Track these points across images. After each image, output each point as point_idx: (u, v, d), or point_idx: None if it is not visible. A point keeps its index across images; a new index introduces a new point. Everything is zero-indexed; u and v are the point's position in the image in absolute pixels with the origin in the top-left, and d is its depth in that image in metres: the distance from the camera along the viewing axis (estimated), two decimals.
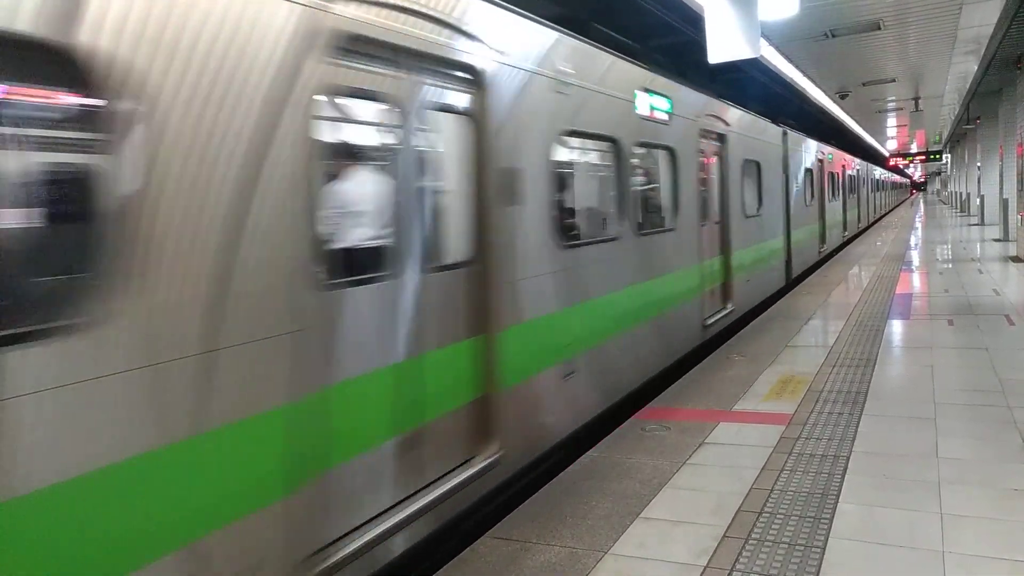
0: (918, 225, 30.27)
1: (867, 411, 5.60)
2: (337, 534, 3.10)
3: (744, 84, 14.18)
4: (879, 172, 37.74)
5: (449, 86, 3.92)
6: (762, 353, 7.75)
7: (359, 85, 3.34)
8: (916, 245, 20.52)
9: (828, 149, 18.77)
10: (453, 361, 3.90)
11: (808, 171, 15.29)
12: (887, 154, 48.06)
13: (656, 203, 7.33)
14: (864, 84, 18.36)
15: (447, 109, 3.95)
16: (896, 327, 8.89)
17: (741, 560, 3.45)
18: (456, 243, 4.06)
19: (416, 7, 3.56)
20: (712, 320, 8.33)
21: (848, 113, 24.25)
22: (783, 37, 12.01)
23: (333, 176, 3.67)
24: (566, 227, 5.37)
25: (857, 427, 5.24)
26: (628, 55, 6.51)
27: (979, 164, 26.50)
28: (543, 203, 4.77)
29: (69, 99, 2.35)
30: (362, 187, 3.76)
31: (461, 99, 4.02)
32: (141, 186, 2.27)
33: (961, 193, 37.48)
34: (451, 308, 3.92)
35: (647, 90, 6.63)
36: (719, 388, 6.47)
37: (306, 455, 2.91)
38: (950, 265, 15.08)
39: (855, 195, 25.04)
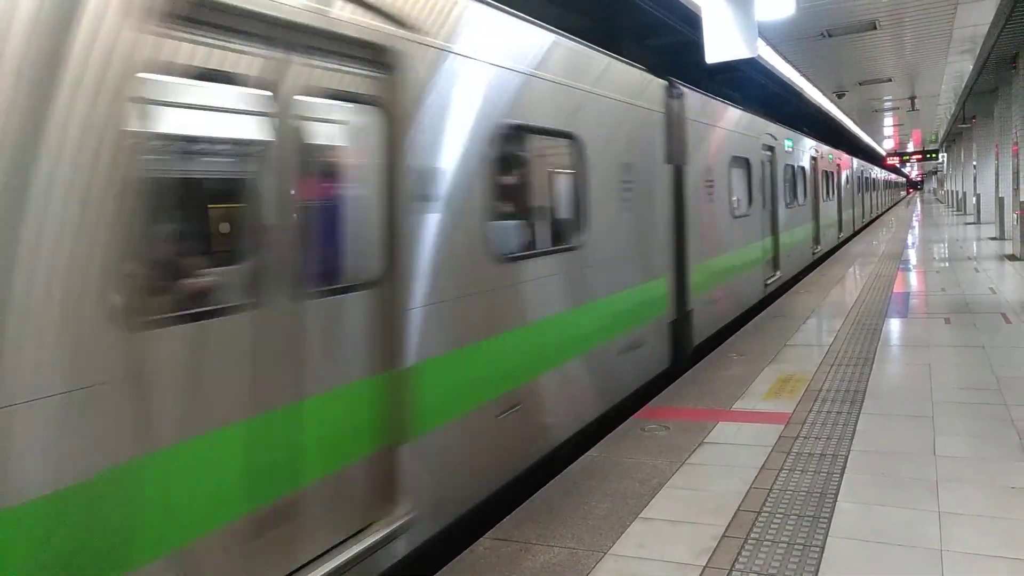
0: (915, 224, 30.32)
1: (865, 410, 5.61)
2: None
3: (742, 84, 14.21)
4: (875, 171, 37.39)
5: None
6: (761, 352, 7.76)
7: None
8: (913, 244, 20.56)
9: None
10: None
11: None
12: (884, 153, 48.15)
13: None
14: (860, 83, 18.39)
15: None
16: (894, 326, 8.91)
17: (740, 559, 3.46)
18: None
19: None
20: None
21: (845, 112, 24.29)
22: (780, 37, 12.03)
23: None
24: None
25: (855, 426, 5.25)
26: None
27: (975, 163, 26.58)
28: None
29: None
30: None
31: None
32: None
33: (957, 192, 37.56)
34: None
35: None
36: (718, 387, 6.48)
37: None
38: (947, 264, 15.11)
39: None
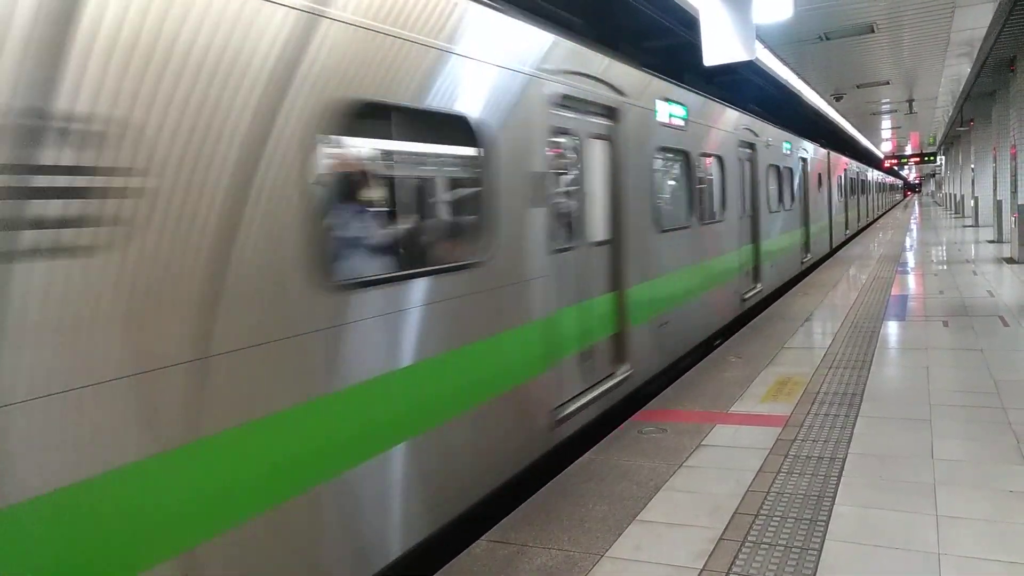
0: (913, 227, 30.36)
1: (863, 413, 5.61)
2: None
3: (739, 86, 14.22)
4: (872, 173, 37.25)
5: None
6: (759, 355, 7.76)
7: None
8: (911, 247, 20.58)
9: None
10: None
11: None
12: (882, 156, 48.24)
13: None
14: (858, 86, 18.44)
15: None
16: (892, 329, 8.91)
17: (737, 562, 3.45)
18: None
19: None
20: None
21: (843, 115, 24.33)
22: (778, 40, 12.05)
23: None
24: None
25: (853, 429, 5.25)
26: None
27: (973, 166, 26.63)
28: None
29: None
30: None
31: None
32: None
33: (955, 195, 37.62)
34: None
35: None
36: (716, 390, 6.47)
37: None
38: (945, 267, 15.12)
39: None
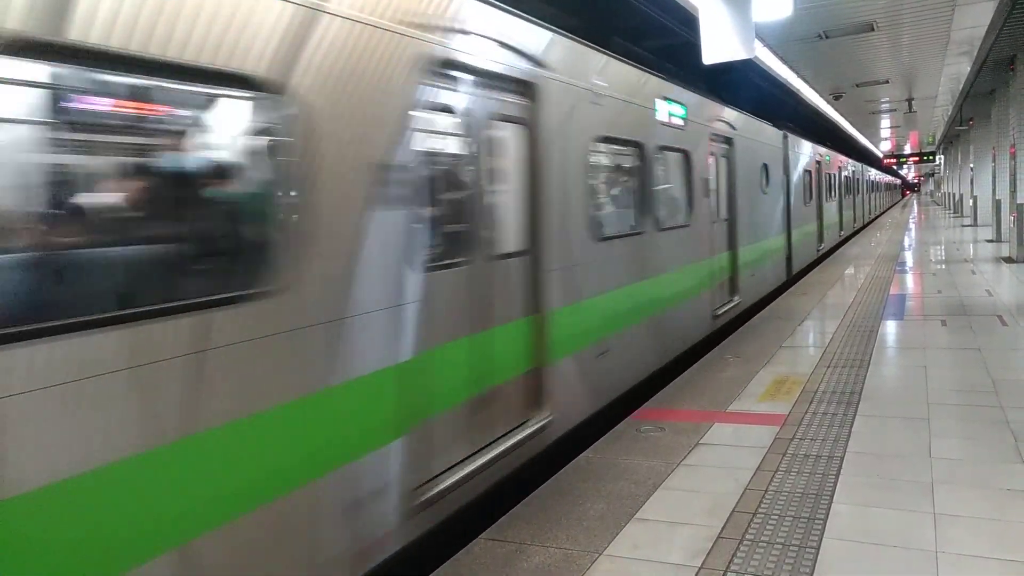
0: (912, 227, 30.37)
1: (861, 411, 5.61)
2: None
3: (738, 85, 14.21)
4: (872, 173, 37.08)
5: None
6: (757, 354, 7.76)
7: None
8: (910, 246, 20.58)
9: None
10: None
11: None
12: (881, 155, 48.26)
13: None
14: (857, 85, 18.44)
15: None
16: (890, 328, 8.91)
17: (735, 561, 3.46)
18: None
19: None
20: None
21: (842, 114, 24.33)
22: (777, 38, 12.04)
23: None
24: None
25: (851, 427, 5.25)
26: None
27: (972, 165, 26.63)
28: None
29: None
30: None
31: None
32: None
33: (954, 194, 37.64)
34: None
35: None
36: (714, 389, 6.47)
37: None
38: (943, 266, 15.13)
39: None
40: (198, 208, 2.82)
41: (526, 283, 4.74)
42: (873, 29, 11.99)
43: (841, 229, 21.93)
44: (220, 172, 2.94)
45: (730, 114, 9.95)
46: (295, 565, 2.93)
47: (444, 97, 4.02)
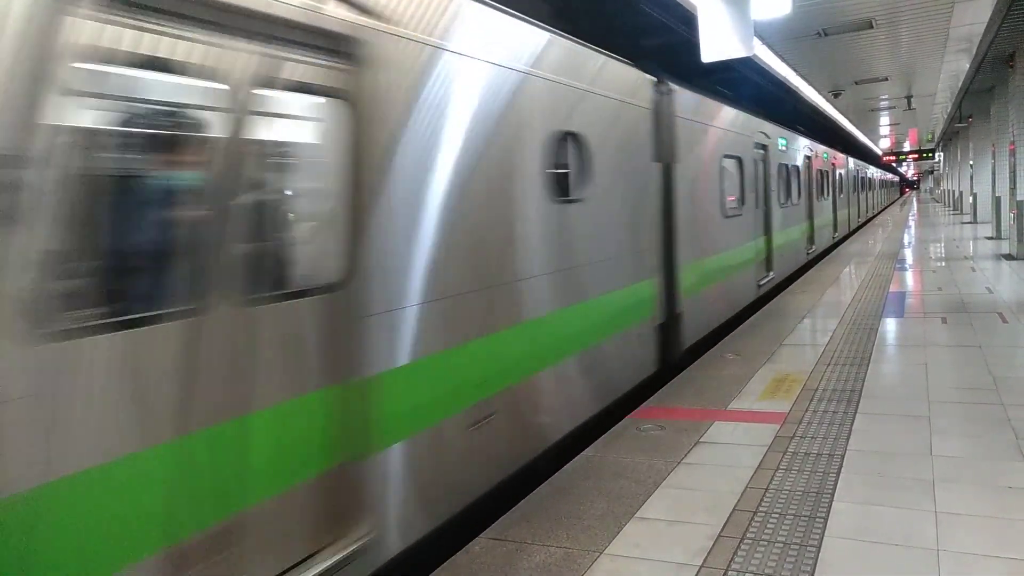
0: (911, 224, 30.37)
1: (861, 409, 5.60)
2: None
3: (737, 83, 14.20)
4: (870, 169, 36.85)
5: None
6: (756, 352, 7.75)
7: None
8: (909, 243, 20.58)
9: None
10: None
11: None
12: (880, 152, 48.25)
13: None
14: (857, 83, 18.42)
15: None
16: (890, 325, 8.90)
17: (736, 559, 3.45)
18: None
19: None
20: None
21: (841, 112, 24.32)
22: (776, 35, 12.03)
23: None
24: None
25: (852, 425, 5.24)
26: None
27: (972, 162, 26.61)
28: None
29: None
30: None
31: None
32: None
33: (954, 191, 37.63)
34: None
35: None
36: (714, 387, 6.47)
37: None
38: (943, 263, 15.12)
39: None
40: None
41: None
42: (872, 26, 11.98)
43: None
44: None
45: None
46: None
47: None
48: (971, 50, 14.60)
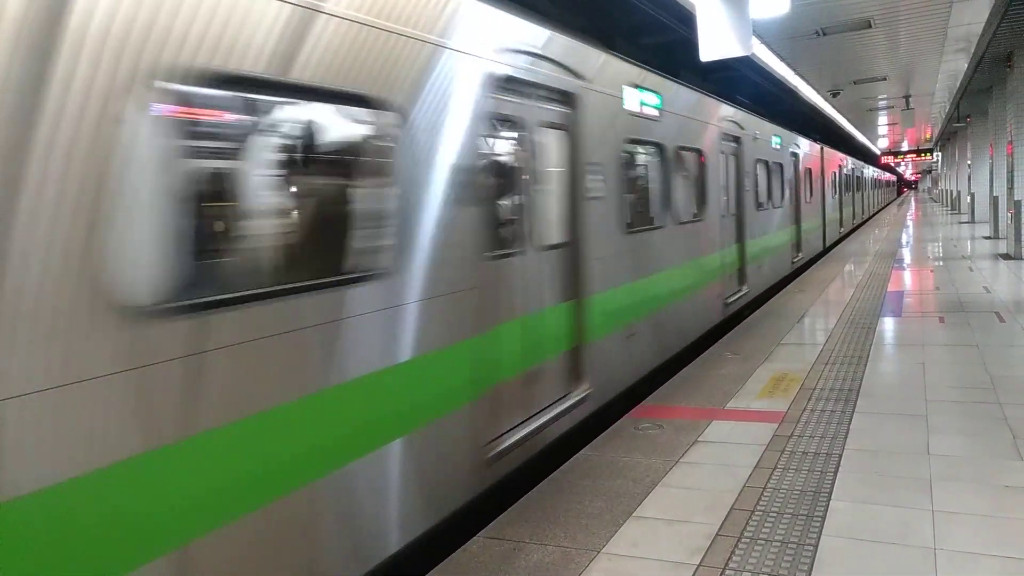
0: (909, 223, 30.39)
1: (859, 409, 5.61)
2: None
3: (736, 82, 14.20)
4: (868, 169, 36.77)
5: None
6: (755, 351, 7.76)
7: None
8: (907, 243, 20.60)
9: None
10: None
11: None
12: (878, 152, 48.28)
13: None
14: (855, 82, 18.42)
15: None
16: (888, 325, 8.91)
17: (734, 558, 3.45)
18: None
19: None
20: None
21: (840, 111, 24.33)
22: (775, 35, 12.03)
23: None
24: None
25: (849, 425, 5.25)
26: None
27: (969, 162, 26.64)
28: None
29: None
30: None
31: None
32: None
33: (952, 191, 37.66)
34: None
35: None
36: (712, 386, 6.47)
37: None
38: (941, 263, 15.14)
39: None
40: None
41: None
42: (871, 26, 11.98)
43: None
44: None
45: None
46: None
47: None
48: (969, 50, 14.61)
